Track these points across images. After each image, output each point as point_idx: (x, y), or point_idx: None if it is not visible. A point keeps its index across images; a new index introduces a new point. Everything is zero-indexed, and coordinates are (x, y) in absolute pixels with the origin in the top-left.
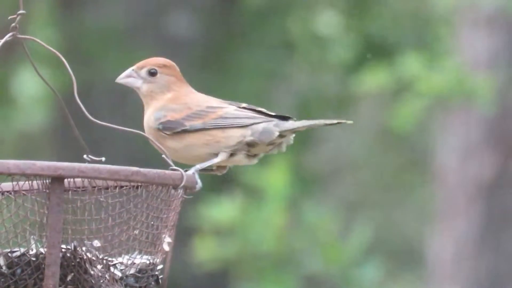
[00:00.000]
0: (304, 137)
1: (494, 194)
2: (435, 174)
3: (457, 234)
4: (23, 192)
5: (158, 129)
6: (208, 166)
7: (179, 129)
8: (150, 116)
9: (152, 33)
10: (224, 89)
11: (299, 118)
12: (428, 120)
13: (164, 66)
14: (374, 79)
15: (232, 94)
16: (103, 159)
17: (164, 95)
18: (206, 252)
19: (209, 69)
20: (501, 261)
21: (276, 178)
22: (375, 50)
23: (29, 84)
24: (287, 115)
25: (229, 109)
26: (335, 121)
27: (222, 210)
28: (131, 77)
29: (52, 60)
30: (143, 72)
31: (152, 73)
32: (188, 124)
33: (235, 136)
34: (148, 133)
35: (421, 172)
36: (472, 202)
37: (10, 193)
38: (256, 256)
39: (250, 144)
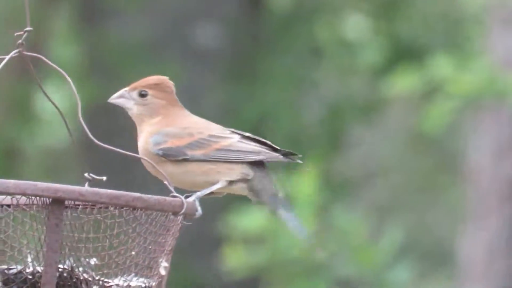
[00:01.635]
0: (334, 142)
1: None
2: (467, 174)
3: (489, 234)
4: (23, 207)
5: (157, 154)
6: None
7: (179, 158)
8: (147, 140)
9: (178, 45)
10: (253, 99)
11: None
12: (459, 121)
13: (156, 85)
14: (404, 82)
15: (261, 103)
16: (104, 178)
17: (152, 119)
18: (236, 260)
19: (237, 79)
20: None
21: (305, 184)
22: (404, 53)
23: (53, 100)
24: (291, 152)
25: (233, 140)
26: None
27: (251, 218)
28: (123, 97)
29: (72, 75)
30: (135, 94)
31: (143, 95)
32: (189, 154)
33: (238, 171)
34: (144, 156)
35: (452, 173)
36: (504, 202)
37: (9, 207)
38: (286, 262)
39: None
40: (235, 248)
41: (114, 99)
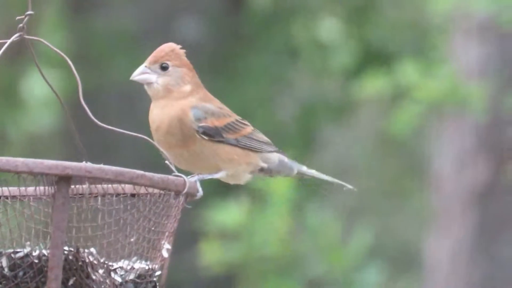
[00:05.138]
0: (307, 142)
1: (488, 201)
2: (432, 180)
3: (452, 240)
4: (21, 197)
5: (197, 131)
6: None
7: (216, 139)
8: (186, 111)
9: (161, 37)
10: (231, 94)
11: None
12: (424, 127)
13: (172, 53)
14: (373, 86)
15: (238, 98)
16: (102, 165)
17: (182, 88)
18: (211, 256)
19: (216, 74)
20: (495, 266)
21: (280, 182)
22: (374, 57)
23: (38, 86)
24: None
25: (250, 128)
26: (341, 183)
27: (228, 214)
28: (145, 73)
29: (61, 62)
30: (156, 67)
31: (164, 67)
32: (225, 137)
33: (254, 163)
34: (174, 126)
35: (419, 178)
36: (467, 209)
37: (9, 198)
38: (260, 260)
39: (262, 170)
40: (211, 244)
41: (137, 76)
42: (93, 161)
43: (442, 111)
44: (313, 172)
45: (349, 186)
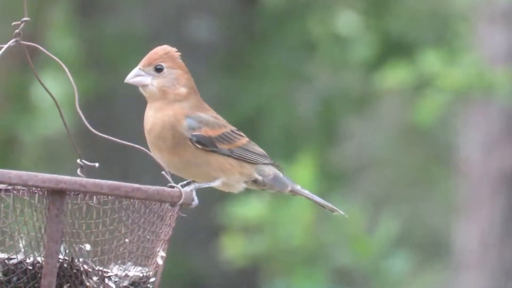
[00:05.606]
0: (328, 135)
1: None
2: (459, 167)
3: (482, 225)
4: (19, 194)
5: (190, 140)
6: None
7: (209, 149)
8: (179, 119)
9: (173, 38)
10: (248, 92)
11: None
12: (450, 115)
13: (167, 55)
14: (394, 76)
15: (256, 96)
16: (97, 164)
17: (177, 89)
18: (235, 249)
19: (231, 73)
20: None
21: (302, 174)
22: (394, 48)
23: (50, 90)
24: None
25: (245, 139)
26: (332, 207)
27: (251, 207)
28: (139, 76)
29: (71, 65)
30: (150, 70)
31: (159, 69)
32: (219, 147)
33: (248, 173)
34: (166, 131)
35: (445, 165)
36: (495, 193)
37: (2, 191)
38: (286, 252)
39: (256, 182)
40: (234, 237)
41: (131, 79)
42: (107, 163)
43: (467, 98)
44: (306, 193)
45: (341, 212)
